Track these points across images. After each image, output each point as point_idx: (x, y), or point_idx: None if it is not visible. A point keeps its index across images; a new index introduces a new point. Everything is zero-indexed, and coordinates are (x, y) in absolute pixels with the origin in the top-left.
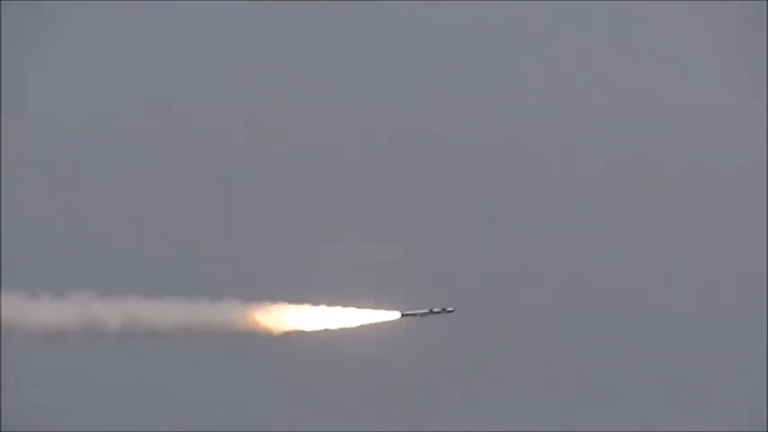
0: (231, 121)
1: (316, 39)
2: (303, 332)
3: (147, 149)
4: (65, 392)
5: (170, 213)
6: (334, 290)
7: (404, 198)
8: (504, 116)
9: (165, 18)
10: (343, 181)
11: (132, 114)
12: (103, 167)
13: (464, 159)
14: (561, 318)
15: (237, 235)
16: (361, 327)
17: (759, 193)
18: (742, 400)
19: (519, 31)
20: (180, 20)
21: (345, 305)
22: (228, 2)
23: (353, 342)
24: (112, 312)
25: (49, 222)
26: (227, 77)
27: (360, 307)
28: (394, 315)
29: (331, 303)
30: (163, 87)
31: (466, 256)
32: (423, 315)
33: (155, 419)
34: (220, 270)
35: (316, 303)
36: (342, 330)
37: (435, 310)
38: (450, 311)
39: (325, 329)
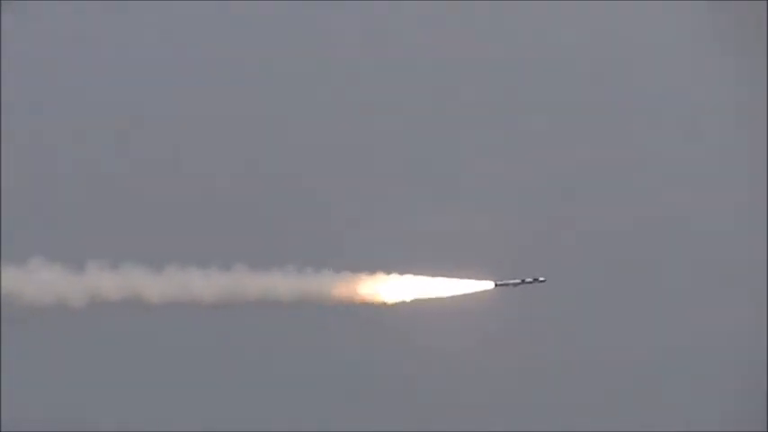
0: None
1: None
2: (404, 302)
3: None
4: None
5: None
6: (427, 261)
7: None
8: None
9: (164, 18)
10: (436, 152)
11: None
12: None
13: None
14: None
15: (332, 207)
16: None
17: (759, 193)
18: (742, 400)
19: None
20: (172, 22)
21: (437, 275)
22: (228, 2)
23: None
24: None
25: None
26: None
27: (453, 277)
28: (488, 285)
29: (422, 274)
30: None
31: (556, 227)
32: (516, 285)
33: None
34: (315, 241)
35: (416, 274)
36: (437, 300)
37: (528, 280)
38: (542, 281)
39: (420, 299)
